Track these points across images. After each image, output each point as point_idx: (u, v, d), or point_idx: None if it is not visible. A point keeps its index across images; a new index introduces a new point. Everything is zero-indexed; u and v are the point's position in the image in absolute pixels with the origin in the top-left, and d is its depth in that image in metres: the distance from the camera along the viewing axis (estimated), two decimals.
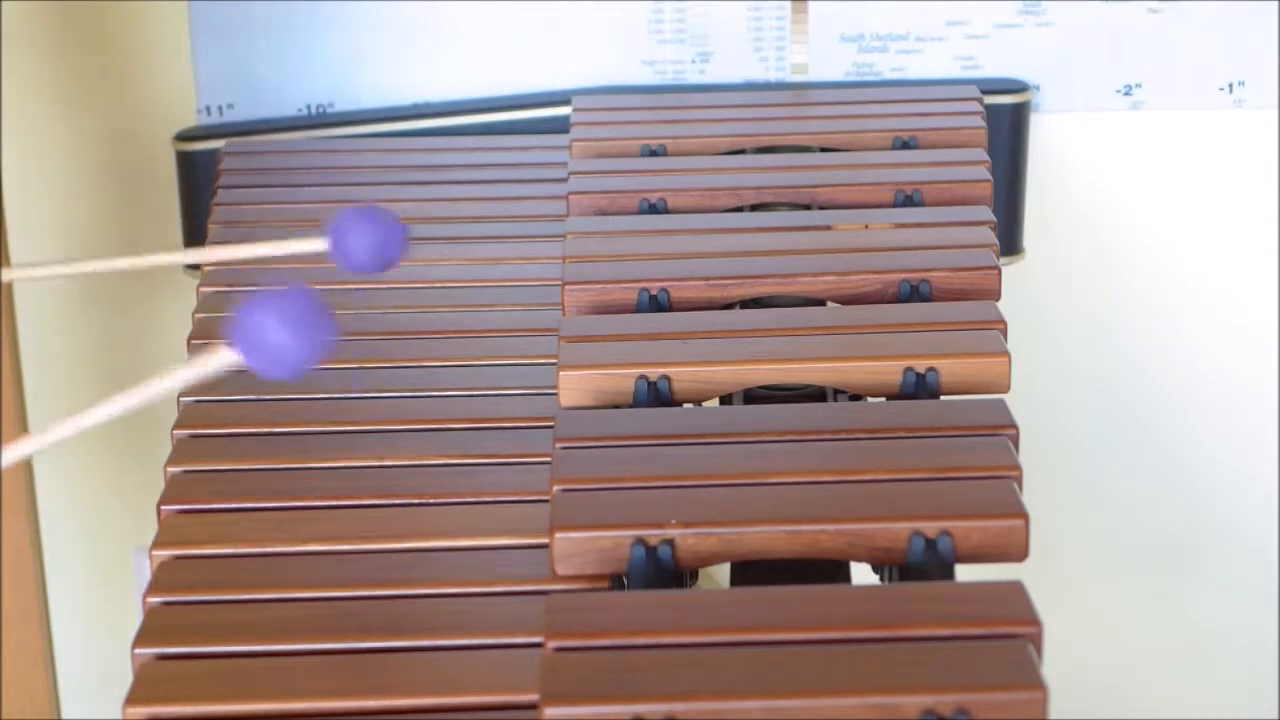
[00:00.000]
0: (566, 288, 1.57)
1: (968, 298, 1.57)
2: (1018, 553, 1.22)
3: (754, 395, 1.46)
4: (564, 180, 1.82)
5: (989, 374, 1.44)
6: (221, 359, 1.09)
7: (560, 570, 1.23)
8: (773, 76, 2.13)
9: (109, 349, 2.21)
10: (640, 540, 1.22)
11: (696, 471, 1.29)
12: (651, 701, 1.05)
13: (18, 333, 2.12)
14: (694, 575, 1.27)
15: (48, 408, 2.22)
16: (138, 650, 1.21)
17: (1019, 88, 2.10)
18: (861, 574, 1.29)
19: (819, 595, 1.18)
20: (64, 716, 2.19)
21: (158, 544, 1.33)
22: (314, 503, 1.38)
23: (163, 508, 1.37)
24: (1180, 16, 2.11)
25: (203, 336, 1.64)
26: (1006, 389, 1.43)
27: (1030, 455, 1.37)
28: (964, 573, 1.22)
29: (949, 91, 2.06)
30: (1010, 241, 2.12)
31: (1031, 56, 2.12)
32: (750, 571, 1.27)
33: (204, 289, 1.73)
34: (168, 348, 2.12)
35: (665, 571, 1.22)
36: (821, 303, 1.59)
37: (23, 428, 2.04)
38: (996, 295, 1.57)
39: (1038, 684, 1.05)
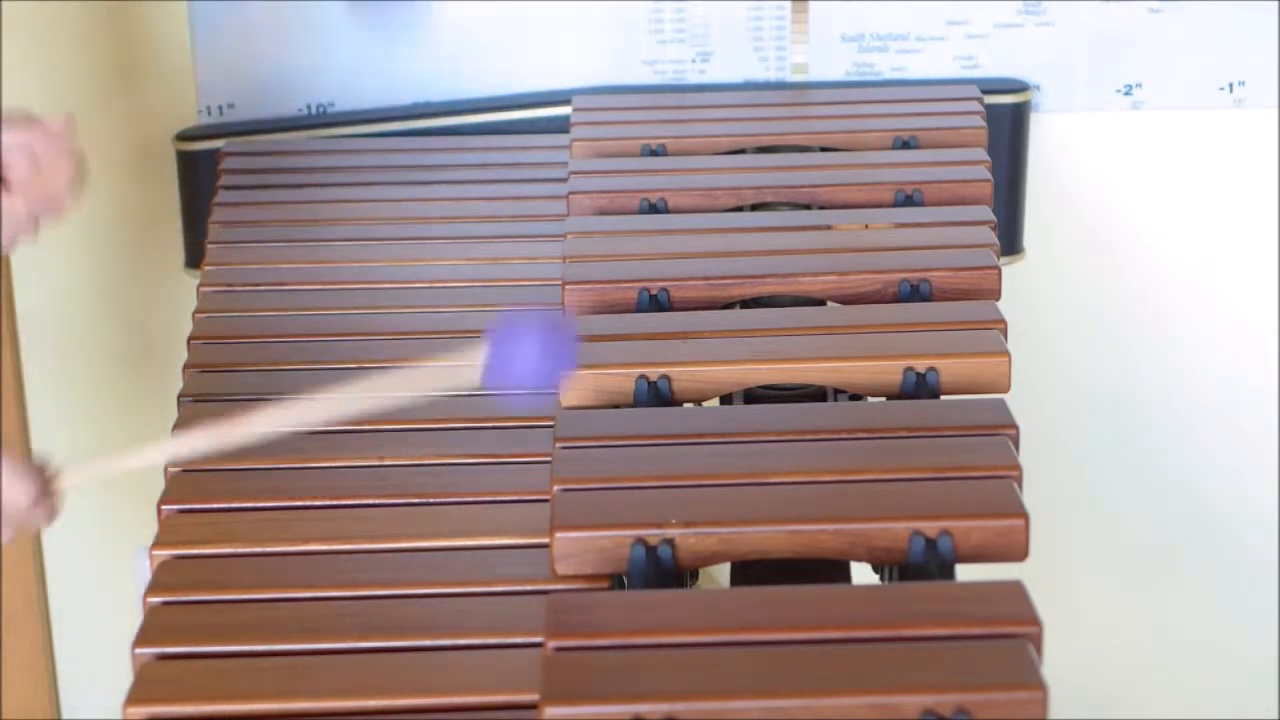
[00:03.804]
0: (566, 288, 1.57)
1: (968, 298, 1.57)
2: (1018, 553, 1.22)
3: (754, 395, 1.46)
4: (564, 180, 1.82)
5: (989, 374, 1.44)
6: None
7: (560, 570, 1.23)
8: (773, 76, 2.13)
9: (110, 348, 2.21)
10: (640, 540, 1.22)
11: (696, 471, 1.29)
12: (651, 701, 1.05)
13: (18, 332, 2.12)
14: (694, 575, 1.27)
15: (48, 405, 2.22)
16: (138, 650, 1.21)
17: (1019, 88, 2.10)
18: (862, 574, 1.29)
19: (819, 595, 1.18)
20: (64, 716, 2.19)
21: (158, 544, 1.33)
22: (314, 503, 1.38)
23: (163, 508, 1.38)
24: (1180, 16, 2.10)
25: (203, 336, 1.64)
26: (1006, 389, 1.43)
27: (1030, 455, 1.37)
28: (964, 573, 1.22)
29: (949, 91, 2.06)
30: (1010, 241, 2.12)
31: (1031, 56, 2.12)
32: (750, 571, 1.27)
33: (204, 289, 1.73)
34: (168, 347, 2.12)
35: (665, 571, 1.22)
36: (821, 303, 1.59)
37: (23, 426, 2.04)
38: (996, 295, 1.57)
39: (1038, 684, 1.05)
